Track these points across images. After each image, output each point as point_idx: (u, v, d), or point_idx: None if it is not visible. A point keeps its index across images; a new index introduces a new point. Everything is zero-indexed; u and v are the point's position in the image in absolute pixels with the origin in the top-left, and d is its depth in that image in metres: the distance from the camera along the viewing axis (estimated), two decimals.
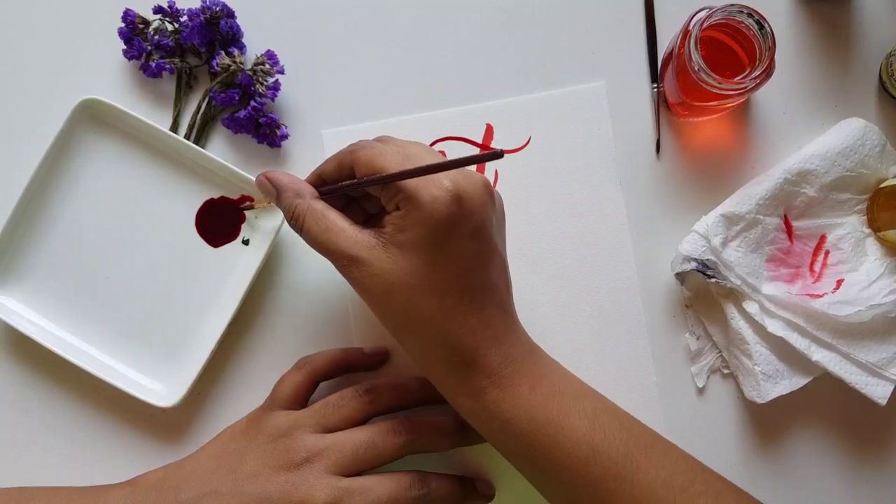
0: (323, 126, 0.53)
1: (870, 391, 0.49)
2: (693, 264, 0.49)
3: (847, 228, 0.51)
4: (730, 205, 0.50)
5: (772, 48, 0.45)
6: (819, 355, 0.49)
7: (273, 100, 0.52)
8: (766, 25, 0.45)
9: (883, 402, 0.49)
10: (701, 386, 0.52)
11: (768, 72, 0.45)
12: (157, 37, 0.52)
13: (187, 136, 0.52)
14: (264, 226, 0.51)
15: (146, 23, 0.52)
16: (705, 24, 0.45)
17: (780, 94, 0.53)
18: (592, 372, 0.51)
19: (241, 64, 0.51)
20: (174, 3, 0.52)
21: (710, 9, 0.45)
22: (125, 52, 0.52)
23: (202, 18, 0.51)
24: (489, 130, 0.53)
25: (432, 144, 0.53)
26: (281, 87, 0.52)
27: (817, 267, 0.51)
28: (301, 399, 0.48)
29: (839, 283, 0.51)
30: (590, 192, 0.53)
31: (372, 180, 0.41)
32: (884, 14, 0.53)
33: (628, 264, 0.52)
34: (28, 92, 0.53)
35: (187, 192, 0.52)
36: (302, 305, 0.52)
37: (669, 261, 0.51)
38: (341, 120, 0.53)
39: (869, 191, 0.51)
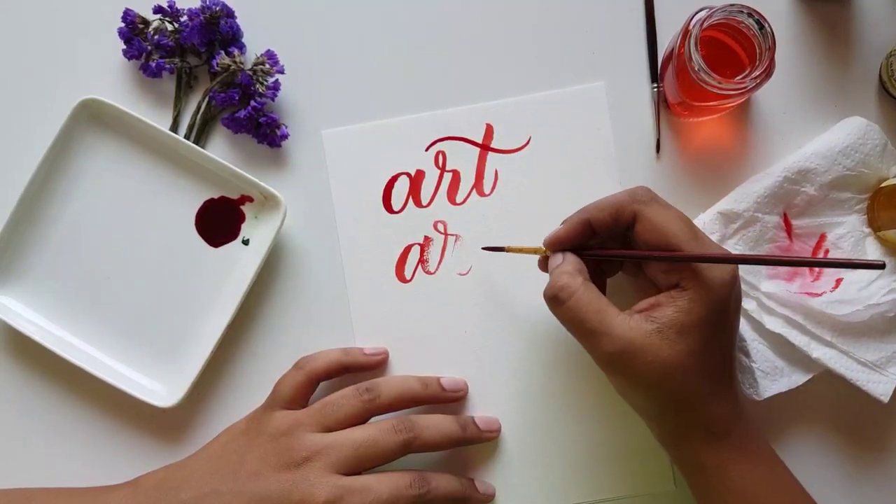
0: (323, 126, 0.53)
1: (872, 388, 0.49)
2: None
3: (847, 227, 0.51)
4: (727, 202, 0.50)
5: (772, 48, 0.45)
6: (819, 352, 0.49)
7: (273, 100, 0.51)
8: (766, 25, 0.45)
9: (885, 399, 0.49)
10: None
11: (768, 72, 0.45)
12: (157, 37, 0.52)
13: (187, 136, 0.52)
14: (264, 226, 0.51)
15: (146, 23, 0.52)
16: (705, 24, 0.45)
17: (780, 94, 0.52)
18: (590, 370, 0.51)
19: (241, 64, 0.51)
20: (174, 3, 0.52)
21: (710, 9, 0.45)
22: (125, 52, 0.52)
23: (202, 18, 0.51)
24: (489, 130, 0.53)
25: (432, 144, 0.53)
26: (281, 87, 0.52)
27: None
28: (301, 399, 0.48)
29: (838, 281, 0.51)
30: (589, 193, 0.52)
31: (672, 256, 0.41)
32: (884, 14, 0.53)
33: None
34: (28, 92, 0.53)
35: (187, 192, 0.51)
36: (302, 305, 0.52)
37: None
38: (341, 120, 0.53)
39: (869, 190, 0.51)
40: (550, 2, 0.53)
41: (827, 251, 0.51)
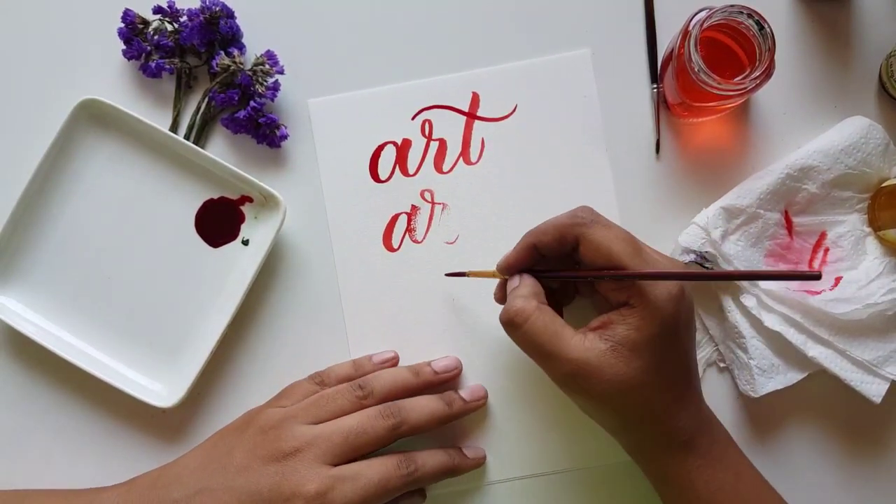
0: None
1: (865, 389, 0.49)
2: (692, 256, 0.50)
3: (847, 226, 0.51)
4: (731, 198, 0.50)
5: (772, 49, 0.45)
6: (815, 351, 0.49)
7: (273, 100, 0.51)
8: (765, 26, 0.45)
9: (877, 400, 0.49)
10: None
11: (768, 72, 0.45)
12: (156, 37, 0.52)
13: (187, 137, 0.52)
14: (264, 226, 0.51)
15: (146, 23, 0.52)
16: (705, 25, 0.45)
17: (780, 95, 0.52)
18: None
19: (241, 64, 0.51)
20: (174, 3, 0.52)
21: (710, 9, 0.45)
22: (125, 52, 0.52)
23: (202, 18, 0.51)
24: (475, 98, 0.53)
25: (418, 113, 0.53)
26: (280, 88, 0.52)
27: (816, 263, 0.51)
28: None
29: (837, 280, 0.51)
30: (576, 159, 0.53)
31: (618, 274, 0.41)
32: (884, 14, 0.53)
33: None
34: (28, 92, 0.53)
35: (187, 192, 0.52)
36: (302, 305, 0.52)
37: (668, 253, 0.51)
38: (328, 89, 0.53)
39: (870, 189, 0.51)
40: (550, 2, 0.53)
41: (827, 249, 0.51)
